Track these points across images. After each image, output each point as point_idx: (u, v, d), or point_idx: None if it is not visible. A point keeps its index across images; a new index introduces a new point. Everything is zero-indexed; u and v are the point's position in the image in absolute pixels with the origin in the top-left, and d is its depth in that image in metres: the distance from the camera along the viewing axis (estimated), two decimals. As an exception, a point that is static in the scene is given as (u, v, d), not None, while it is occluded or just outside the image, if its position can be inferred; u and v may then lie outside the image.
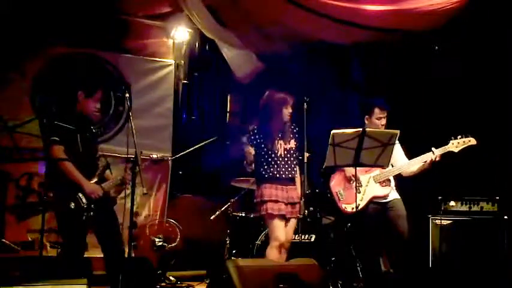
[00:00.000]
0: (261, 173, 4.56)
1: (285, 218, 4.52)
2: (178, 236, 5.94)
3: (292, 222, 4.60)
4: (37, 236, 5.44)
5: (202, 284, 5.72)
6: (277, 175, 4.53)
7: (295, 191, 4.62)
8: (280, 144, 4.59)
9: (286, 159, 4.58)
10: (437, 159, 4.76)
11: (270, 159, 4.55)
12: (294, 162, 4.63)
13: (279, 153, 4.56)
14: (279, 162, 4.55)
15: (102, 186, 4.28)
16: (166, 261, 5.80)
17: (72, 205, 4.12)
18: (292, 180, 4.62)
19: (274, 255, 4.42)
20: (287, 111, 4.60)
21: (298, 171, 4.69)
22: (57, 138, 4.15)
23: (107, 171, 4.45)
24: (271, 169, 4.53)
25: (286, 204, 4.51)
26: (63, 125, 4.19)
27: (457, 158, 4.79)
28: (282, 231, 4.47)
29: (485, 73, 5.65)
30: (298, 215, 4.64)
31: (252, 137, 4.59)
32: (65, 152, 4.16)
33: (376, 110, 4.97)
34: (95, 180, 4.28)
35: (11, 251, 5.44)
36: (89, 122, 4.45)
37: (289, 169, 4.58)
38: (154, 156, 4.87)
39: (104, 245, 4.33)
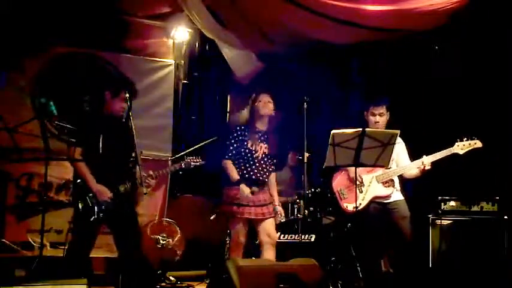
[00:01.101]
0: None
1: (252, 221, 4.61)
2: (179, 234, 5.94)
3: (269, 222, 4.66)
4: (37, 236, 5.44)
5: (202, 284, 5.72)
6: (253, 176, 4.62)
7: (266, 194, 4.72)
8: (261, 146, 4.68)
9: (262, 162, 4.68)
10: (427, 167, 4.75)
11: (247, 159, 4.63)
12: (268, 167, 4.73)
13: (257, 154, 4.65)
14: (257, 164, 4.65)
15: (119, 187, 4.32)
16: (170, 259, 5.79)
17: (81, 205, 4.15)
18: (263, 184, 4.71)
19: (237, 254, 4.57)
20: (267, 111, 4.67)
21: (272, 175, 4.81)
22: (73, 140, 4.19)
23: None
24: (248, 169, 4.63)
25: (254, 206, 4.58)
26: (65, 125, 4.21)
27: (457, 158, 4.79)
28: (243, 235, 4.59)
29: (485, 73, 5.65)
30: (272, 216, 4.69)
31: (239, 133, 4.66)
32: (83, 154, 4.21)
33: (371, 106, 4.96)
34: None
35: (11, 251, 5.44)
36: (118, 121, 4.47)
37: (262, 172, 4.67)
38: (196, 163, 4.93)
39: (118, 245, 4.37)
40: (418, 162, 4.81)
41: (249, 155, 4.64)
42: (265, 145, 4.70)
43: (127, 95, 4.52)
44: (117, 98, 4.40)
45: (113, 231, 4.40)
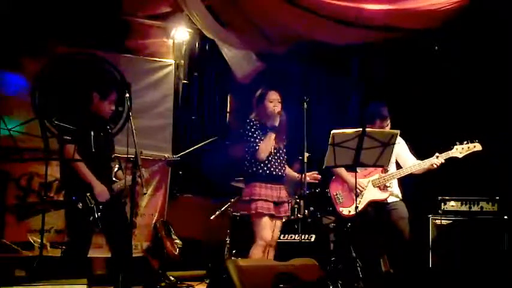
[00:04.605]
0: (253, 170, 4.55)
1: (274, 217, 4.55)
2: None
3: (279, 223, 4.63)
4: (38, 237, 5.44)
5: (202, 284, 5.72)
6: (269, 172, 4.54)
7: (284, 191, 4.64)
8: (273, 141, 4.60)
9: (276, 157, 4.60)
10: (438, 165, 4.75)
11: None
12: (283, 161, 4.66)
13: (271, 150, 4.57)
14: (272, 160, 4.57)
15: (112, 187, 4.32)
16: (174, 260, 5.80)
17: (80, 205, 4.15)
18: (282, 179, 4.64)
19: (259, 254, 4.46)
20: (272, 105, 4.55)
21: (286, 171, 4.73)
22: (69, 138, 4.17)
23: (119, 172, 4.47)
24: (265, 167, 4.54)
25: (274, 204, 4.53)
26: (62, 125, 4.20)
27: (457, 158, 4.79)
28: (269, 231, 4.49)
29: (485, 73, 5.65)
30: (287, 214, 4.68)
31: (254, 126, 4.56)
32: (77, 152, 4.17)
33: (378, 122, 4.94)
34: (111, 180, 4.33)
35: (11, 251, 5.44)
36: (105, 122, 4.48)
37: (279, 167, 4.60)
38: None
39: (112, 245, 4.36)
40: (422, 164, 4.81)
41: None
42: (276, 139, 4.59)
43: (127, 95, 4.52)
44: (106, 100, 4.40)
45: (106, 230, 4.36)
